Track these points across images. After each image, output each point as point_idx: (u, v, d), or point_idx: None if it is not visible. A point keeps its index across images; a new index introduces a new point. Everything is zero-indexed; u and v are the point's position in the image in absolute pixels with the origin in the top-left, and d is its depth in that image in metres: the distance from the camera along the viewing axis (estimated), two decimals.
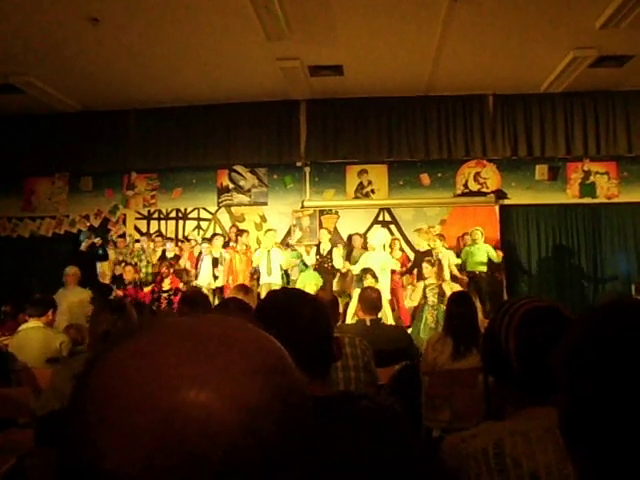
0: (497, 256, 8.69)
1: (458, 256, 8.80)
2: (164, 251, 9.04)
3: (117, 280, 8.49)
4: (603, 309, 0.74)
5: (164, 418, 0.43)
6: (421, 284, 7.28)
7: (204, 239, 9.24)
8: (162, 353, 0.46)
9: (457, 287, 8.16)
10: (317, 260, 8.56)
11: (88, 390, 0.46)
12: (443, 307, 6.99)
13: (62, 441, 0.46)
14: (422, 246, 9.03)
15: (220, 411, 0.44)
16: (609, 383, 0.65)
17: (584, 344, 0.70)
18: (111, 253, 9.25)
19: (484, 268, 8.67)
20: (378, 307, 4.23)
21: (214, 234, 9.29)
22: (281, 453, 0.47)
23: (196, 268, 8.73)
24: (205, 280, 8.62)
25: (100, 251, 9.02)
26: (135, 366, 0.45)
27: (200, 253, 8.85)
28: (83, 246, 8.93)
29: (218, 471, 0.43)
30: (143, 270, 8.81)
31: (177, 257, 8.92)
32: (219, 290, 8.65)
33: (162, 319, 0.52)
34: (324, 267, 8.47)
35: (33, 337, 4.15)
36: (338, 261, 8.53)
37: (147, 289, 8.22)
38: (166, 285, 7.94)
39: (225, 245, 8.99)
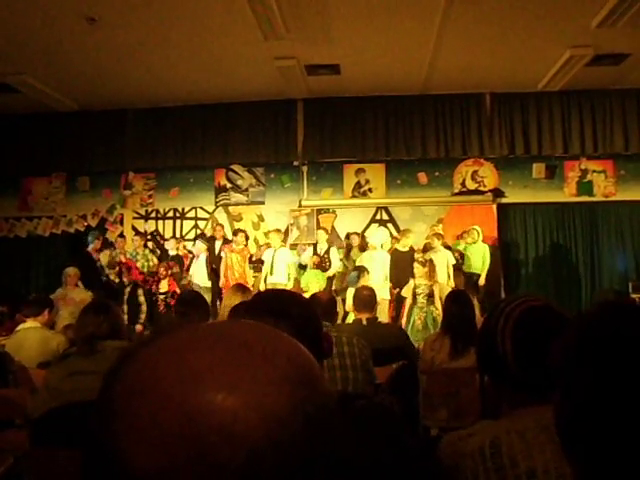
0: (486, 262, 8.70)
1: (460, 257, 8.82)
2: (163, 251, 9.02)
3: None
4: (598, 310, 0.74)
5: (189, 418, 0.43)
6: (411, 283, 7.26)
7: (197, 237, 9.24)
8: (194, 353, 0.47)
9: (447, 289, 8.19)
10: (314, 259, 8.56)
11: (117, 385, 0.46)
12: (432, 309, 7.00)
13: (87, 438, 0.46)
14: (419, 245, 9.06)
15: (245, 418, 0.44)
16: (605, 384, 0.65)
17: (580, 345, 0.70)
18: (108, 253, 9.23)
19: (480, 268, 8.67)
20: (372, 305, 4.23)
21: (200, 235, 9.30)
22: (301, 465, 0.47)
23: (188, 270, 8.73)
24: (200, 279, 8.62)
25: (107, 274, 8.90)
26: (165, 363, 0.46)
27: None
28: (91, 248, 8.86)
29: (238, 477, 0.43)
30: (139, 267, 8.79)
31: (179, 257, 8.88)
32: (218, 290, 8.65)
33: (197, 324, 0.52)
34: (321, 267, 8.47)
35: (31, 337, 4.15)
36: (335, 260, 8.54)
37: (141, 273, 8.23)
38: (163, 287, 7.92)
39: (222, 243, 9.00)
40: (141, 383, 0.45)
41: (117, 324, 2.84)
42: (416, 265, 7.38)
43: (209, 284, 8.67)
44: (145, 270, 8.67)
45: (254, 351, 0.48)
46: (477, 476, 1.15)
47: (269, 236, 8.94)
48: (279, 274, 8.38)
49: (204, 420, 0.43)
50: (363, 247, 8.88)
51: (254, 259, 9.10)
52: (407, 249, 8.51)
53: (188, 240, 9.64)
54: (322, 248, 8.67)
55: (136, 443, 0.43)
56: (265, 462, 0.44)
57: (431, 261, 8.76)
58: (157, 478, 0.42)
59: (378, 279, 7.74)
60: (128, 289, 8.17)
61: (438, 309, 6.85)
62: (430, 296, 7.08)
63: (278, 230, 9.00)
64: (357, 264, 8.04)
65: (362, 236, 9.14)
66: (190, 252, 9.15)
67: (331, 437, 0.51)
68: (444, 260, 8.54)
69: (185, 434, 0.43)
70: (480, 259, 8.66)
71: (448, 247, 8.71)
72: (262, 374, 0.47)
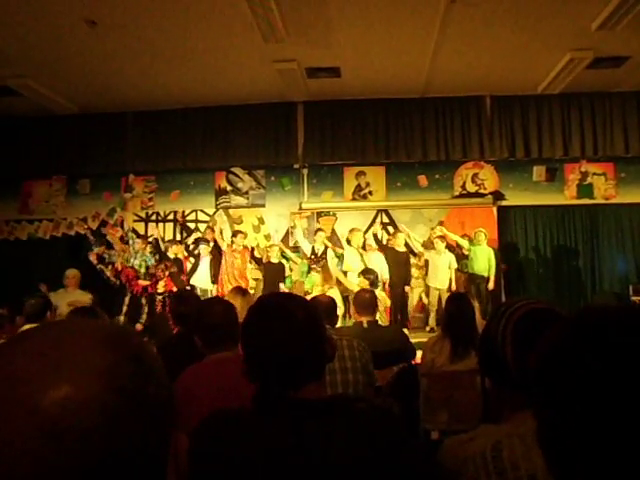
0: (493, 266, 8.71)
1: (461, 257, 8.82)
2: (162, 252, 9.01)
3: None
4: (577, 318, 0.72)
5: (29, 408, 0.49)
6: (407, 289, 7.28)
7: (200, 239, 9.24)
8: (14, 360, 0.52)
9: (442, 294, 8.20)
10: (311, 261, 8.55)
11: None
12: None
13: None
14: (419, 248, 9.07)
15: (78, 383, 0.51)
16: (584, 394, 0.62)
17: (558, 353, 0.68)
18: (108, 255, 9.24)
19: (485, 270, 8.67)
20: (373, 307, 4.22)
21: (199, 238, 9.30)
22: (147, 400, 0.55)
23: (191, 272, 8.73)
24: (202, 281, 8.63)
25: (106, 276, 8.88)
26: None
27: (198, 254, 8.86)
28: (92, 257, 8.85)
29: (98, 430, 0.50)
30: (137, 268, 8.78)
31: (178, 259, 8.88)
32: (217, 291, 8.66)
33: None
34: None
35: None
36: (332, 262, 8.53)
37: (143, 282, 8.22)
38: (161, 287, 7.94)
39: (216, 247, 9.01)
40: None
41: None
42: (413, 270, 7.39)
43: (212, 287, 8.67)
44: (142, 271, 8.66)
45: (62, 338, 0.55)
46: None
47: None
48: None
49: (44, 402, 0.49)
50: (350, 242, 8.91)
51: (264, 261, 9.02)
52: (403, 249, 8.51)
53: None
54: (319, 249, 8.66)
55: None
56: (117, 410, 0.52)
57: (426, 262, 8.80)
58: None
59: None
60: (129, 293, 8.22)
61: None
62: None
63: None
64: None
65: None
66: (191, 255, 9.13)
67: (160, 376, 0.59)
68: (446, 263, 8.55)
69: (31, 418, 0.48)
70: (485, 262, 8.65)
71: (451, 250, 8.72)
72: (77, 347, 0.53)
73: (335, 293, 7.60)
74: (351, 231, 8.89)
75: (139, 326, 7.77)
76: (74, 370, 0.51)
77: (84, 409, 0.49)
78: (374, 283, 7.00)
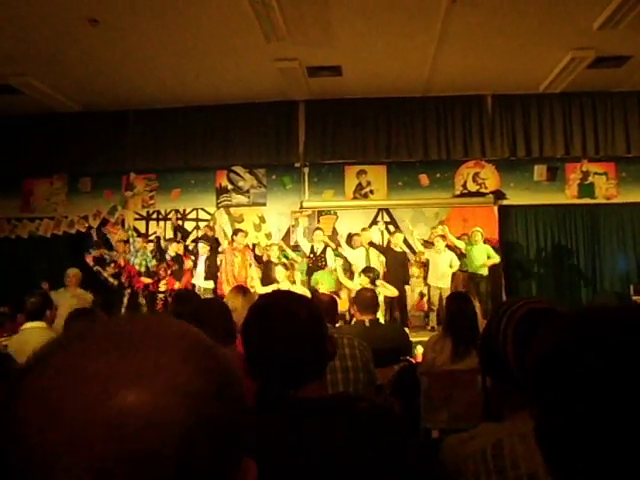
0: (495, 258, 8.72)
1: (461, 256, 8.82)
2: (163, 251, 9.01)
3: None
4: (577, 317, 0.72)
5: (109, 425, 0.43)
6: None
7: (199, 238, 9.24)
8: (87, 362, 0.46)
9: (443, 293, 8.21)
10: (310, 259, 8.55)
11: (20, 419, 0.44)
12: None
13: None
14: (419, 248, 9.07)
15: (161, 402, 0.45)
16: (585, 394, 0.62)
17: (558, 352, 0.68)
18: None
19: (484, 269, 8.67)
20: (374, 306, 4.23)
21: (199, 238, 9.30)
22: (226, 427, 0.49)
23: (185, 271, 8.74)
24: (201, 279, 8.63)
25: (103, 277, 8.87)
26: (64, 384, 0.45)
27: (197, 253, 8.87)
28: (89, 259, 8.86)
29: (176, 457, 0.44)
30: (137, 268, 8.79)
31: (178, 256, 8.88)
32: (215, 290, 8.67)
33: (75, 330, 0.52)
34: (317, 267, 8.47)
35: (35, 338, 4.13)
36: (331, 261, 8.54)
37: (146, 279, 8.24)
38: (162, 286, 7.95)
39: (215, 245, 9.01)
40: (49, 414, 0.44)
41: None
42: (413, 269, 7.38)
43: (210, 285, 8.67)
44: (142, 269, 8.67)
45: (146, 339, 0.49)
46: (479, 478, 1.16)
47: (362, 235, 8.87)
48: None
49: (123, 420, 0.43)
50: (350, 244, 8.92)
51: (265, 260, 9.01)
52: (400, 250, 8.51)
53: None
54: (318, 248, 8.67)
55: (66, 471, 0.42)
56: (196, 434, 0.46)
57: (427, 262, 8.79)
58: None
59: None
60: (128, 290, 8.22)
61: None
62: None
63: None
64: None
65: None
66: (190, 252, 9.12)
67: (240, 395, 0.53)
68: (447, 261, 8.55)
69: (111, 441, 0.42)
70: (483, 260, 8.65)
71: (451, 249, 8.72)
72: (162, 357, 0.48)
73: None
74: (363, 230, 8.97)
75: None
76: (157, 384, 0.46)
77: (158, 422, 0.44)
78: (375, 281, 7.02)
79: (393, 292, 7.32)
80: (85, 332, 0.51)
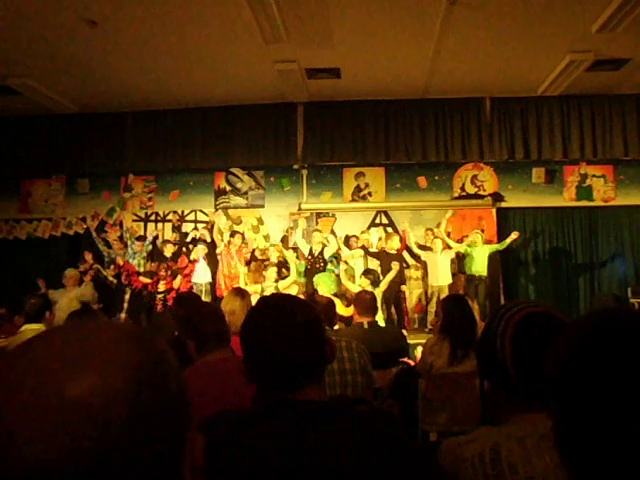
0: (502, 244, 8.78)
1: (462, 258, 8.83)
2: (160, 252, 9.00)
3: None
4: (597, 319, 0.73)
5: (56, 401, 0.51)
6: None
7: (197, 239, 9.24)
8: (48, 350, 0.55)
9: (444, 292, 8.22)
10: (308, 261, 8.56)
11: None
12: None
13: None
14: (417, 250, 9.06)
15: (107, 376, 0.54)
16: (603, 395, 0.63)
17: (576, 355, 0.69)
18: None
19: (484, 271, 8.68)
20: (373, 308, 4.23)
21: (197, 239, 9.30)
22: (168, 397, 0.58)
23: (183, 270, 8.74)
24: (202, 279, 8.64)
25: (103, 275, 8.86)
26: (27, 364, 0.54)
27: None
28: (88, 256, 8.87)
29: (126, 420, 0.53)
30: (135, 265, 8.80)
31: (175, 255, 8.87)
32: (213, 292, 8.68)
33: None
34: (315, 268, 8.47)
35: None
36: (330, 264, 8.56)
37: (144, 279, 8.24)
38: (162, 287, 7.95)
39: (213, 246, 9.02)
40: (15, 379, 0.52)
41: None
42: (412, 271, 7.38)
43: (208, 287, 8.68)
44: (141, 269, 8.68)
45: (98, 341, 0.57)
46: None
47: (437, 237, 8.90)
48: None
49: (75, 393, 0.51)
50: (349, 247, 8.94)
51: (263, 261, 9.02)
52: (394, 251, 8.51)
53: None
54: (316, 250, 8.67)
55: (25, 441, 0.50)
56: (142, 403, 0.54)
57: (425, 264, 8.80)
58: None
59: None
60: (129, 290, 8.25)
61: None
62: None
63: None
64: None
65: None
66: (188, 254, 9.13)
67: (168, 409, 0.60)
68: (446, 260, 8.56)
69: (62, 408, 0.51)
70: (484, 262, 8.67)
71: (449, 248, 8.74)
72: (108, 360, 0.55)
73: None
74: (362, 233, 8.99)
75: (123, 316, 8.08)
76: (101, 362, 0.54)
77: (111, 399, 0.52)
78: (375, 282, 7.03)
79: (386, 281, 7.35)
80: (43, 333, 0.59)
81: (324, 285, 7.34)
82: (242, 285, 7.63)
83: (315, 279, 7.89)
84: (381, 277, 7.55)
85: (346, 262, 8.68)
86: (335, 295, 6.71)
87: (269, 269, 7.89)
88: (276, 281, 7.66)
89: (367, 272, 7.45)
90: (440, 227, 8.89)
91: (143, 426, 0.54)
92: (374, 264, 8.44)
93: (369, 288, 6.70)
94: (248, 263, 8.81)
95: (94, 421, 0.51)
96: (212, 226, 9.35)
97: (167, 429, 0.57)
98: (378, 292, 6.85)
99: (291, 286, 7.69)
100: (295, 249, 9.15)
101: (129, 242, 9.14)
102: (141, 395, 0.54)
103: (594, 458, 0.65)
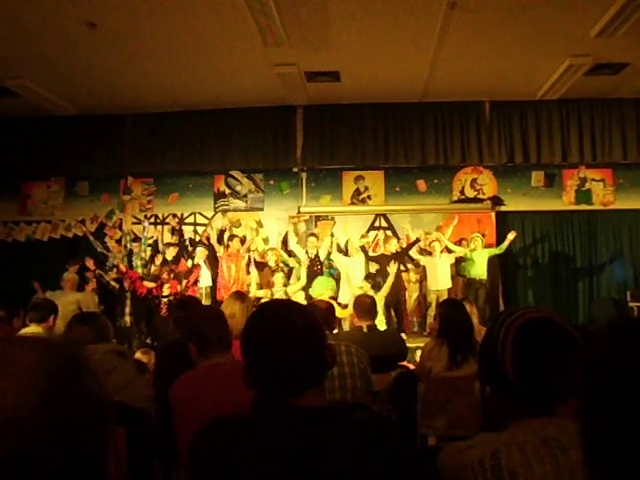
0: (500, 247, 8.80)
1: (461, 261, 8.83)
2: (161, 254, 8.99)
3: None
4: (632, 324, 0.75)
5: None
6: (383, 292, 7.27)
7: (197, 242, 9.24)
8: None
9: (443, 295, 8.22)
10: (306, 264, 8.56)
11: None
12: None
13: None
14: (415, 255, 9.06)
15: (19, 379, 0.56)
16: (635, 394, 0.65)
17: (615, 361, 0.70)
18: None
19: (484, 275, 8.68)
20: (372, 312, 4.23)
21: (197, 242, 9.31)
22: (83, 395, 0.61)
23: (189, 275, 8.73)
24: (203, 283, 8.64)
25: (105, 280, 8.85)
26: None
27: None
28: (89, 262, 8.85)
29: (38, 420, 0.55)
30: (139, 270, 8.79)
31: (177, 259, 8.87)
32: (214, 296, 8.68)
33: None
34: (313, 270, 8.47)
35: None
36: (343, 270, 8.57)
37: (149, 284, 8.24)
38: (166, 290, 7.94)
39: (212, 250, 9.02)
40: None
41: (104, 333, 2.96)
42: (412, 275, 7.37)
43: (208, 290, 8.69)
44: (140, 271, 8.67)
45: (11, 353, 0.60)
46: None
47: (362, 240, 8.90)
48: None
49: None
50: (345, 251, 8.95)
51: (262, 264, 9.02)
52: (390, 254, 8.51)
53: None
54: (312, 253, 8.70)
55: None
56: (54, 401, 0.57)
57: (424, 268, 8.79)
58: None
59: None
60: (128, 294, 8.26)
61: None
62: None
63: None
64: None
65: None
66: (188, 256, 9.12)
67: (95, 376, 0.64)
68: (446, 264, 8.56)
69: None
70: (484, 265, 8.68)
71: (449, 252, 8.74)
72: (17, 364, 0.58)
73: None
74: (362, 237, 9.02)
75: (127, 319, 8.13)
76: (8, 367, 0.57)
77: (19, 399, 0.55)
78: (377, 286, 7.02)
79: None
80: None
81: (319, 288, 7.34)
82: (253, 290, 7.67)
83: (315, 283, 7.91)
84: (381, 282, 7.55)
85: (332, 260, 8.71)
86: (332, 298, 6.71)
87: (276, 274, 7.91)
88: (284, 286, 7.67)
89: (368, 276, 7.45)
90: (446, 235, 8.86)
91: (59, 427, 0.56)
92: (373, 268, 8.45)
93: (371, 292, 6.73)
94: (260, 268, 8.81)
95: (5, 423, 0.53)
96: (211, 230, 9.38)
97: (84, 428, 0.60)
98: (380, 296, 6.85)
99: (299, 291, 7.71)
100: (290, 252, 9.15)
101: (128, 245, 9.14)
102: (52, 394, 0.57)
103: (628, 457, 0.66)
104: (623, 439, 0.66)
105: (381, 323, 6.56)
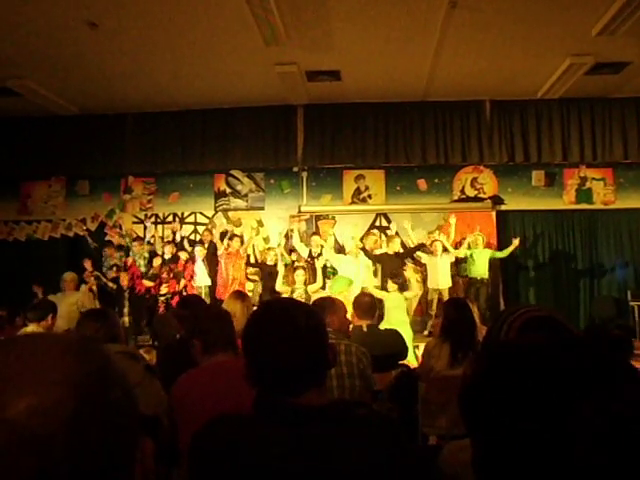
0: (504, 252, 8.81)
1: (461, 261, 8.82)
2: (160, 254, 9.00)
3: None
4: (504, 348, 0.75)
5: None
6: (408, 294, 7.25)
7: (195, 242, 9.25)
8: None
9: (444, 294, 8.22)
10: (307, 263, 8.56)
11: None
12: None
13: None
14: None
15: (45, 394, 0.54)
16: (515, 424, 0.64)
17: (487, 387, 0.70)
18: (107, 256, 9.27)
19: (485, 274, 8.68)
20: (373, 311, 4.23)
21: (198, 240, 9.30)
22: (112, 407, 0.58)
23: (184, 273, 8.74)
24: (202, 281, 8.64)
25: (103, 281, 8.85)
26: None
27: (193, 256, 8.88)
28: (87, 264, 8.87)
29: (65, 439, 0.53)
30: (142, 268, 8.80)
31: (175, 258, 8.87)
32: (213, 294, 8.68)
33: None
34: (314, 269, 8.47)
35: None
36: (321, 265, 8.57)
37: (147, 283, 8.24)
38: (164, 289, 7.95)
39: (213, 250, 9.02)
40: None
41: (115, 331, 2.89)
42: (412, 274, 7.35)
43: (207, 289, 8.69)
44: (142, 269, 8.68)
45: (37, 358, 0.58)
46: None
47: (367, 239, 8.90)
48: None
49: (13, 412, 0.52)
50: (340, 250, 8.94)
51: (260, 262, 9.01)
52: (393, 253, 8.50)
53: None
54: (316, 252, 8.69)
55: None
56: (83, 418, 0.55)
57: (424, 267, 8.78)
58: None
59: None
60: (126, 294, 8.25)
61: None
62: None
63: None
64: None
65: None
66: (188, 256, 9.12)
67: (125, 385, 0.61)
68: (446, 263, 8.55)
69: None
70: (485, 265, 8.67)
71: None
72: (45, 378, 0.55)
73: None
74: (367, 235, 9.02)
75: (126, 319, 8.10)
76: (35, 380, 0.55)
77: (48, 416, 0.53)
78: (403, 286, 7.01)
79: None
80: None
81: (338, 287, 7.24)
82: (278, 287, 7.66)
83: (331, 282, 7.88)
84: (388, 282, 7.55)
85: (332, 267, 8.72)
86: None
87: (297, 272, 7.88)
88: (305, 283, 7.66)
89: (394, 276, 7.35)
90: (449, 237, 8.82)
91: (85, 441, 0.55)
92: (366, 269, 8.45)
93: (397, 293, 6.76)
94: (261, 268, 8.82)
95: (33, 441, 0.52)
96: (212, 229, 9.38)
97: (111, 439, 0.58)
98: (402, 298, 6.88)
99: (319, 290, 7.71)
100: (291, 251, 9.14)
101: (129, 245, 9.15)
102: (81, 410, 0.55)
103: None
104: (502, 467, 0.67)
105: (404, 324, 6.51)
